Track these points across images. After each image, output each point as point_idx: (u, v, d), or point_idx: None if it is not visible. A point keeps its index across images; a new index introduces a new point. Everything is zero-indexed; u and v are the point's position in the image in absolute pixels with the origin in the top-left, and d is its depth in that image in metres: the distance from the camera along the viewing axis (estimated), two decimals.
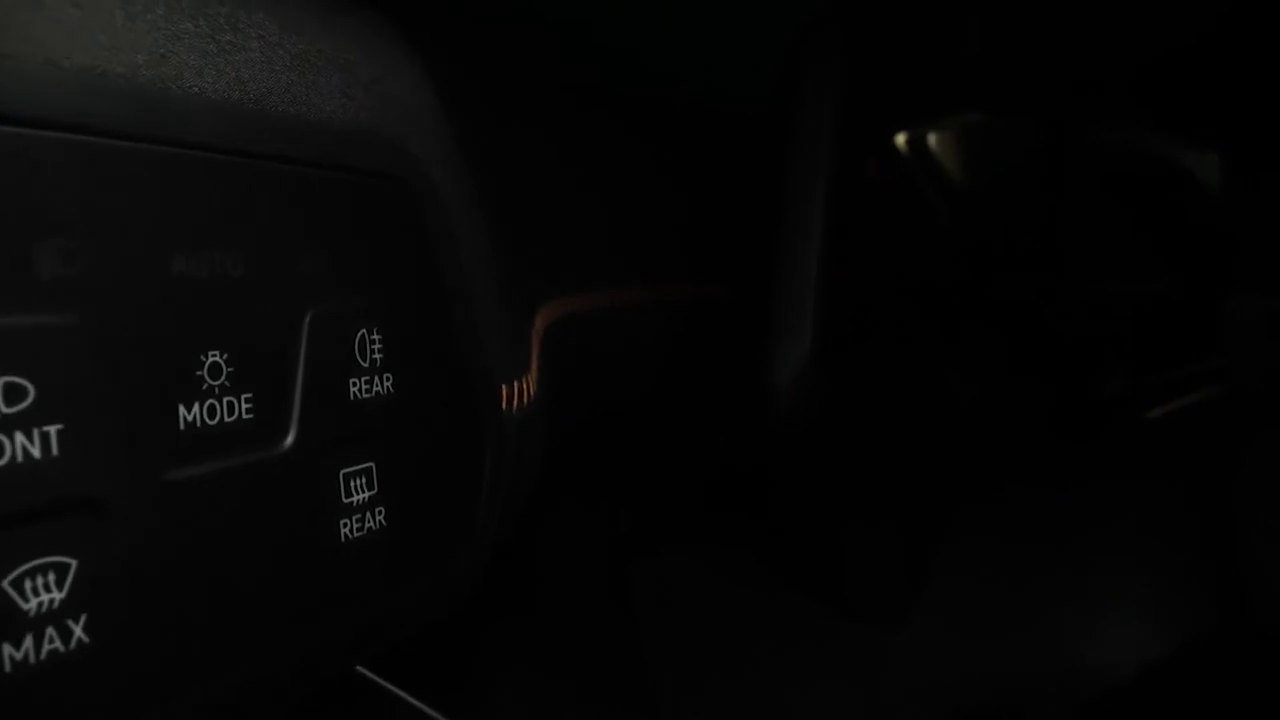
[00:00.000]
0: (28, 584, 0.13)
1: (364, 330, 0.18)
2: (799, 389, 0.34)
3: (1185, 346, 0.57)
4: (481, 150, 0.25)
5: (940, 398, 0.51)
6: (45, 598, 0.13)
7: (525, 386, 0.24)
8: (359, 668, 0.26)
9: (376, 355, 0.18)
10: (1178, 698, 0.40)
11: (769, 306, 0.35)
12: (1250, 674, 0.41)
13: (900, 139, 0.57)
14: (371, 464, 0.18)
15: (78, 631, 0.13)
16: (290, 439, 0.17)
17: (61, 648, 0.13)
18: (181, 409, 0.15)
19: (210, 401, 0.15)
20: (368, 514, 0.18)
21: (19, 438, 0.13)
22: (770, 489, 0.44)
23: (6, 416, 0.13)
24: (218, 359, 0.15)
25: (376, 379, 0.18)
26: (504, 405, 0.23)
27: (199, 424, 0.15)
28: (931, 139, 0.59)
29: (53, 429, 0.13)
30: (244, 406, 0.16)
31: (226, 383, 0.16)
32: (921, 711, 0.41)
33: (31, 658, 0.13)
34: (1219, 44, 0.53)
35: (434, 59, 0.23)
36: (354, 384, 0.18)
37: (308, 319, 0.17)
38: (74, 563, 0.13)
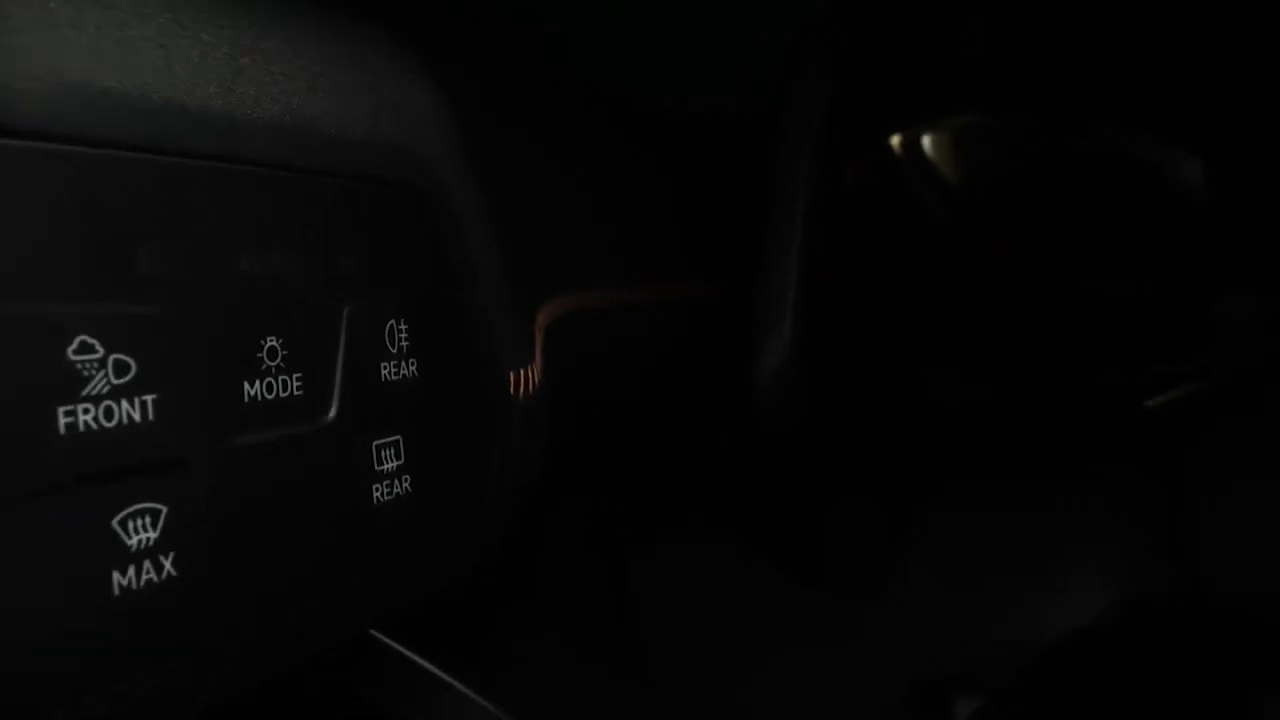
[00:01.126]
0: (130, 524, 0.16)
1: (392, 321, 0.22)
2: (782, 384, 0.38)
3: (1173, 346, 0.60)
4: (487, 155, 0.28)
5: (923, 392, 0.54)
6: (143, 536, 0.17)
7: (530, 375, 0.28)
8: (377, 633, 0.30)
9: (403, 343, 0.22)
10: (1124, 654, 0.44)
11: (754, 305, 0.38)
12: (1192, 630, 0.46)
13: (895, 140, 0.60)
14: (399, 437, 0.22)
15: (168, 566, 0.17)
16: (332, 413, 0.20)
17: (155, 578, 0.17)
18: (245, 385, 0.18)
19: (268, 379, 0.19)
20: (396, 481, 0.22)
21: (124, 405, 0.16)
22: (760, 481, 0.48)
23: (116, 387, 0.16)
24: (274, 343, 0.19)
25: (403, 363, 0.22)
26: (511, 390, 0.26)
27: (259, 398, 0.19)
28: (926, 140, 0.62)
29: (149, 398, 0.17)
30: (295, 384, 0.19)
31: (281, 364, 0.19)
32: (890, 679, 0.45)
33: (134, 585, 0.16)
34: (1216, 45, 0.56)
35: (442, 69, 0.26)
36: (384, 367, 0.21)
37: (346, 310, 0.21)
38: (164, 509, 0.17)
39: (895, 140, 0.60)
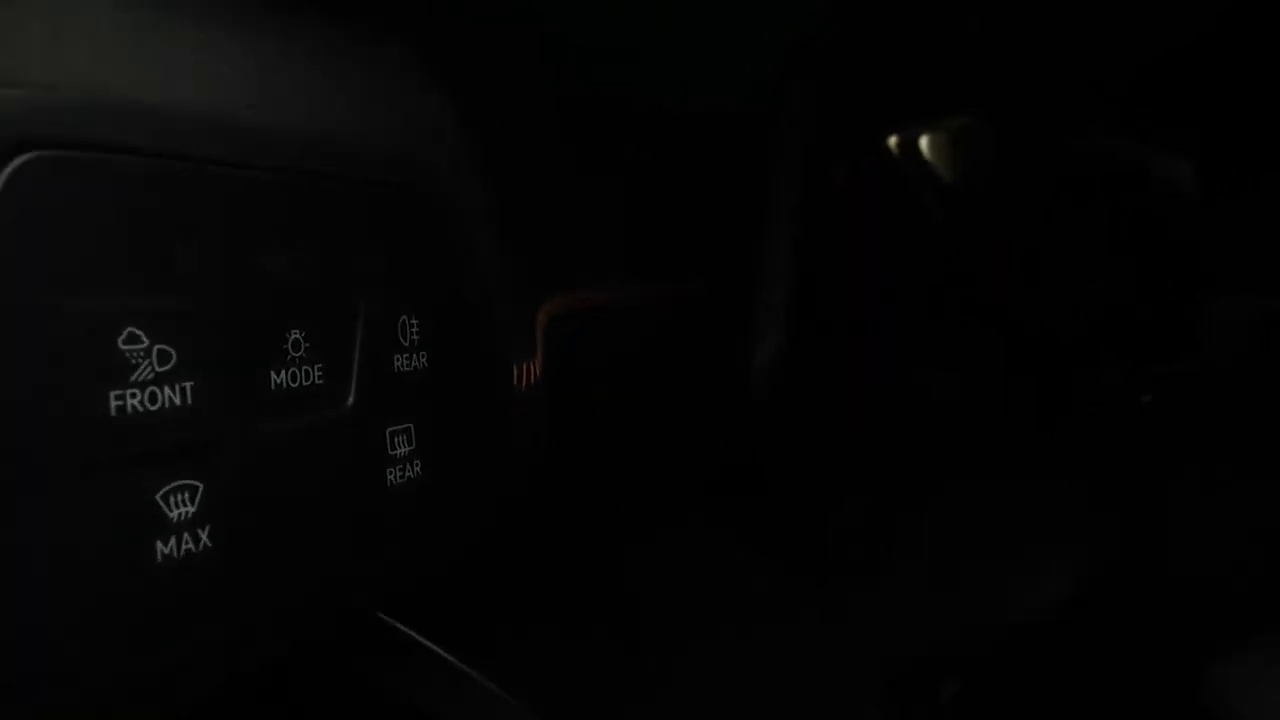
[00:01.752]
0: (171, 499, 0.18)
1: (404, 316, 0.24)
2: (777, 382, 0.40)
3: (1168, 345, 0.62)
4: (490, 158, 0.30)
5: (922, 392, 0.56)
6: (183, 510, 0.19)
7: (532, 368, 0.30)
8: (382, 615, 0.32)
9: (414, 336, 0.24)
10: (1091, 631, 0.47)
11: (750, 303, 0.41)
12: (1156, 609, 0.49)
13: (892, 140, 0.62)
14: (411, 424, 0.24)
15: (204, 537, 0.19)
16: (350, 400, 0.22)
17: (193, 548, 0.19)
18: (272, 374, 0.20)
19: (293, 369, 0.21)
20: (408, 465, 0.24)
21: (166, 390, 0.18)
22: (757, 477, 0.50)
23: (159, 374, 0.18)
24: (298, 336, 0.21)
25: (414, 355, 0.24)
26: (515, 382, 0.28)
27: (285, 386, 0.21)
28: (923, 141, 0.64)
29: (188, 385, 0.19)
30: (317, 374, 0.21)
31: (304, 355, 0.21)
32: (877, 662, 0.47)
33: (174, 553, 0.18)
34: (1211, 46, 0.58)
35: (447, 75, 0.28)
36: (397, 359, 0.24)
37: (362, 306, 0.23)
38: (201, 485, 0.19)
39: (892, 141, 0.62)
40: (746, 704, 0.45)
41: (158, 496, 0.18)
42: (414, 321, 0.24)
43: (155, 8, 0.20)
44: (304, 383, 0.21)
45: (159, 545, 0.18)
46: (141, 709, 0.19)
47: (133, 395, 0.18)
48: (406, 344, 0.24)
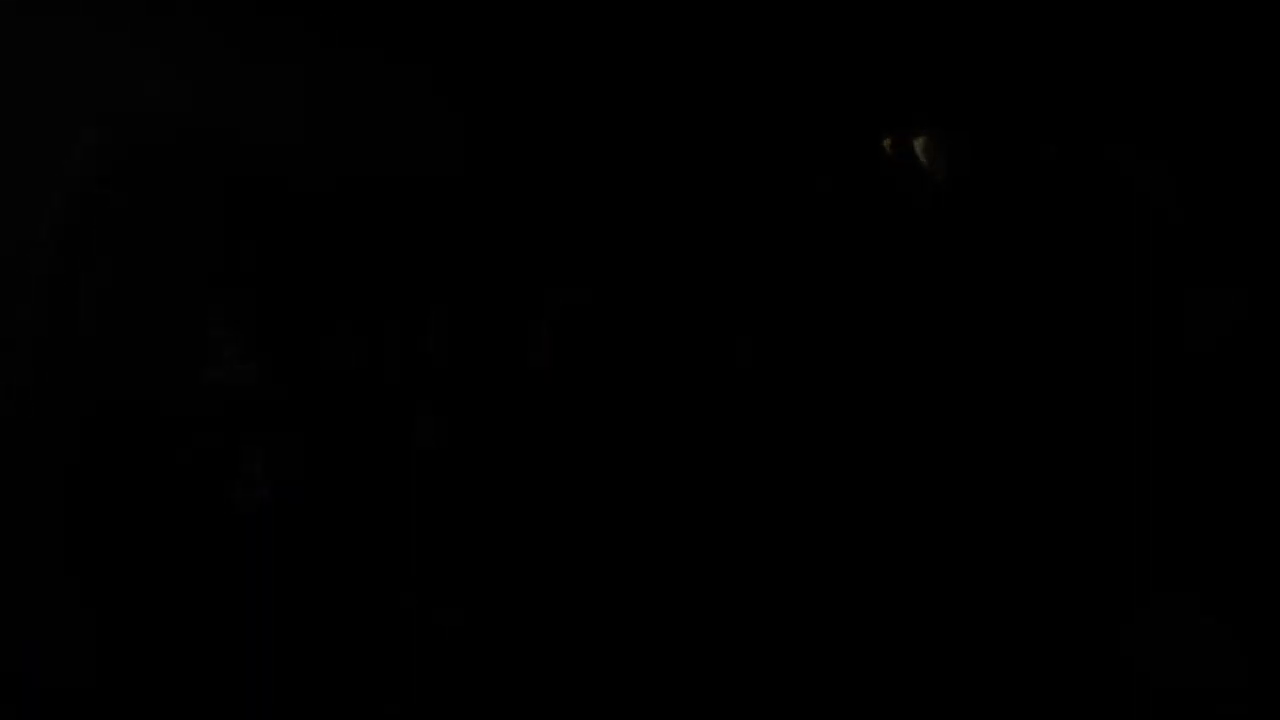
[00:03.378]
0: (245, 453, 0.24)
1: (431, 308, 0.28)
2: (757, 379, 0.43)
3: (1145, 335, 0.61)
4: (505, 175, 0.34)
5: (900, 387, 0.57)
6: (254, 465, 0.24)
7: (539, 358, 0.32)
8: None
9: (438, 327, 0.28)
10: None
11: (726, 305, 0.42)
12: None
13: (873, 146, 0.63)
14: (435, 402, 0.28)
15: (269, 486, 0.24)
16: (385, 379, 0.27)
17: (262, 495, 0.24)
18: (324, 356, 0.26)
19: (338, 352, 0.26)
20: (433, 436, 0.28)
21: (241, 368, 0.24)
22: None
23: (237, 354, 0.24)
24: (344, 324, 0.26)
25: (437, 344, 0.28)
26: (523, 369, 0.31)
27: (333, 366, 0.26)
28: (902, 147, 0.64)
29: (256, 365, 0.25)
30: (358, 356, 0.26)
31: (348, 341, 0.26)
32: None
33: (248, 499, 0.24)
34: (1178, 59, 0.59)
35: (469, 98, 0.32)
36: (423, 345, 0.28)
37: (395, 299, 0.27)
38: (267, 444, 0.25)
39: (876, 147, 0.62)
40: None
41: (236, 451, 0.24)
42: (438, 313, 0.28)
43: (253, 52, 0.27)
44: (348, 364, 0.26)
45: (237, 490, 0.24)
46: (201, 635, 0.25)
47: (218, 370, 0.24)
48: (431, 333, 0.28)
